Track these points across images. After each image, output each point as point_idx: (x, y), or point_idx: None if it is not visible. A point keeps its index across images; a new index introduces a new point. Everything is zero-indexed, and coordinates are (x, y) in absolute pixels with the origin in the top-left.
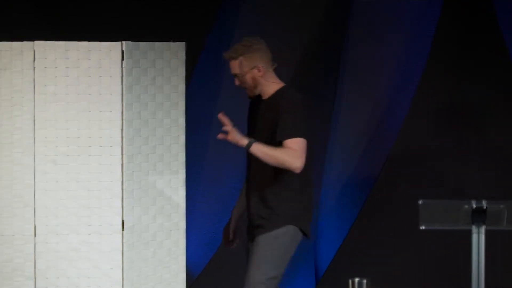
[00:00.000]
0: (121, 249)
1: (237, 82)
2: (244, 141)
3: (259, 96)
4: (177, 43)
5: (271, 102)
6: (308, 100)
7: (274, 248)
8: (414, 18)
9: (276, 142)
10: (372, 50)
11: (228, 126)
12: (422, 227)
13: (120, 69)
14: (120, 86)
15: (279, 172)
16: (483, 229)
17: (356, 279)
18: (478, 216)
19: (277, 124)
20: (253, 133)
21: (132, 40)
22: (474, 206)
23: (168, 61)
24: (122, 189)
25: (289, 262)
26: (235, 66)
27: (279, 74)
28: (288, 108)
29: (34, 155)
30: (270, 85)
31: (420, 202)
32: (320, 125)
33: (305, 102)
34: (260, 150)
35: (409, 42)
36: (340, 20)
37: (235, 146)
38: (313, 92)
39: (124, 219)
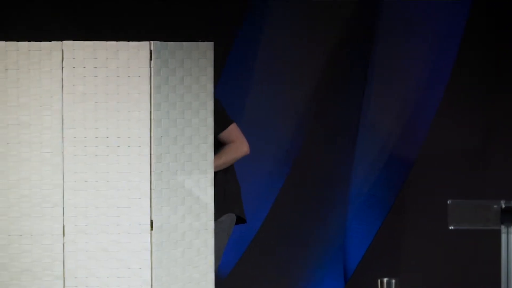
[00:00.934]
0: (150, 249)
1: None
2: None
3: None
4: (205, 42)
5: None
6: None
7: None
8: (443, 18)
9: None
10: (401, 50)
11: None
12: (451, 227)
13: (149, 69)
14: (149, 86)
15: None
16: None
17: (385, 279)
18: (508, 216)
19: None
20: None
21: (160, 40)
22: (503, 206)
23: (197, 60)
24: (150, 188)
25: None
26: None
27: (307, 73)
28: None
29: (63, 155)
30: None
31: (449, 202)
32: (348, 125)
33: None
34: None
35: (437, 42)
36: (368, 20)
37: (263, 146)
38: (341, 92)
39: (153, 218)
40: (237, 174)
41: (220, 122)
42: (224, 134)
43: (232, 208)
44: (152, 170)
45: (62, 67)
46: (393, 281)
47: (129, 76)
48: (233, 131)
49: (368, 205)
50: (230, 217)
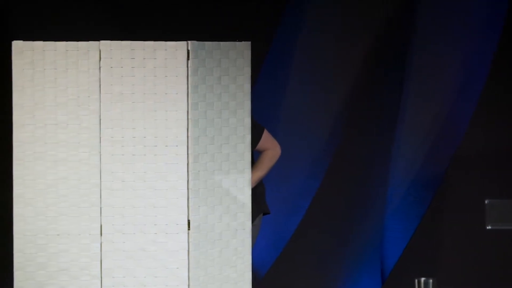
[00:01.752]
0: (187, 249)
1: None
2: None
3: None
4: (242, 42)
5: None
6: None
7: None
8: (480, 18)
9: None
10: (438, 50)
11: None
12: (488, 227)
13: (186, 68)
14: (186, 85)
15: None
16: None
17: (422, 279)
18: None
19: None
20: None
21: (197, 40)
22: None
23: (234, 60)
24: (188, 188)
25: None
26: None
27: (345, 72)
28: None
29: (100, 155)
30: None
31: (486, 201)
32: (385, 125)
33: None
34: (257, 176)
35: (475, 42)
36: (405, 20)
37: (303, 146)
38: (379, 92)
39: (190, 218)
40: (275, 175)
41: (254, 132)
42: (260, 144)
43: (263, 209)
44: (190, 170)
45: (100, 67)
46: (430, 281)
47: (166, 76)
48: (267, 139)
49: (405, 205)
50: (260, 217)
